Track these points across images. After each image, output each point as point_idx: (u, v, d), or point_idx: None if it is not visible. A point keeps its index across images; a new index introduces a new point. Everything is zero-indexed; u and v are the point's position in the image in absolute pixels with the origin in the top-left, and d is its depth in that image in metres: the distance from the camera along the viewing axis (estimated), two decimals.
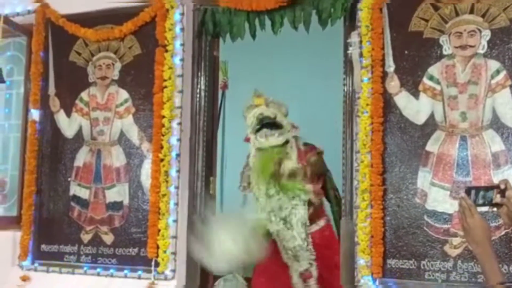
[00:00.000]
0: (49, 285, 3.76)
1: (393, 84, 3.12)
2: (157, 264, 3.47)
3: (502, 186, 1.95)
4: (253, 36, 3.55)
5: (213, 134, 3.78)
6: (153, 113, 3.57)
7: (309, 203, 3.56)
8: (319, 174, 3.66)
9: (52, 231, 3.84)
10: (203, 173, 3.62)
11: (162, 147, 3.51)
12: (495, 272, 1.83)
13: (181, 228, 3.54)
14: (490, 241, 1.90)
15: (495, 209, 2.05)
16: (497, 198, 1.95)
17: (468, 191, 1.98)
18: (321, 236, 3.61)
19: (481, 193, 1.96)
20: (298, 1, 3.37)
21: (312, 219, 3.58)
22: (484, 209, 2.50)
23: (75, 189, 3.81)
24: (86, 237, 3.73)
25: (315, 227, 3.61)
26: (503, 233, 2.78)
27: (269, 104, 3.60)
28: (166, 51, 3.57)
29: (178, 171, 3.55)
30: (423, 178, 3.01)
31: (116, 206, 3.68)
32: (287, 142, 3.56)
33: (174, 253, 3.49)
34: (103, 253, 3.66)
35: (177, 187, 3.53)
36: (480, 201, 1.96)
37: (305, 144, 3.67)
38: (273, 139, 3.53)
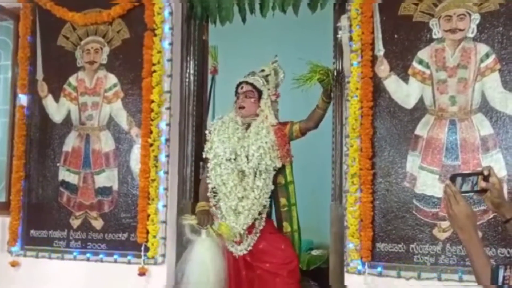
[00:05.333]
0: (39, 271, 3.76)
1: (382, 68, 3.12)
2: (147, 249, 3.47)
3: (486, 173, 1.99)
4: (243, 20, 3.53)
5: (202, 119, 3.77)
6: (142, 98, 3.55)
7: None
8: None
9: (41, 217, 3.83)
10: (192, 158, 3.62)
11: (151, 132, 3.50)
12: (480, 257, 1.86)
13: (171, 213, 3.54)
14: (476, 227, 1.92)
15: (479, 195, 2.08)
16: (481, 184, 1.99)
17: (452, 178, 2.00)
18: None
19: (466, 180, 2.00)
20: None
21: None
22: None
23: (64, 174, 3.79)
24: (75, 223, 3.72)
25: None
26: (491, 216, 2.79)
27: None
28: (155, 35, 3.54)
29: (168, 156, 3.53)
30: (412, 162, 3.02)
31: (105, 191, 3.66)
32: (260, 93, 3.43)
33: (164, 238, 3.49)
34: (93, 238, 3.66)
35: (166, 172, 3.52)
36: (465, 188, 2.00)
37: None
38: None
